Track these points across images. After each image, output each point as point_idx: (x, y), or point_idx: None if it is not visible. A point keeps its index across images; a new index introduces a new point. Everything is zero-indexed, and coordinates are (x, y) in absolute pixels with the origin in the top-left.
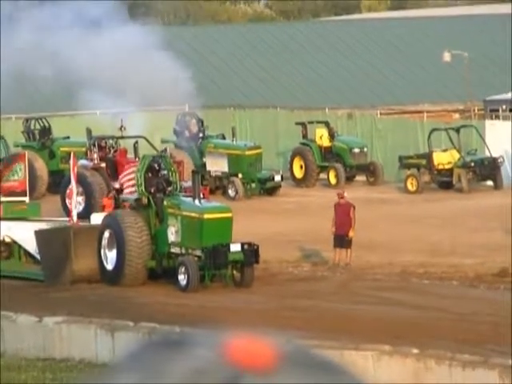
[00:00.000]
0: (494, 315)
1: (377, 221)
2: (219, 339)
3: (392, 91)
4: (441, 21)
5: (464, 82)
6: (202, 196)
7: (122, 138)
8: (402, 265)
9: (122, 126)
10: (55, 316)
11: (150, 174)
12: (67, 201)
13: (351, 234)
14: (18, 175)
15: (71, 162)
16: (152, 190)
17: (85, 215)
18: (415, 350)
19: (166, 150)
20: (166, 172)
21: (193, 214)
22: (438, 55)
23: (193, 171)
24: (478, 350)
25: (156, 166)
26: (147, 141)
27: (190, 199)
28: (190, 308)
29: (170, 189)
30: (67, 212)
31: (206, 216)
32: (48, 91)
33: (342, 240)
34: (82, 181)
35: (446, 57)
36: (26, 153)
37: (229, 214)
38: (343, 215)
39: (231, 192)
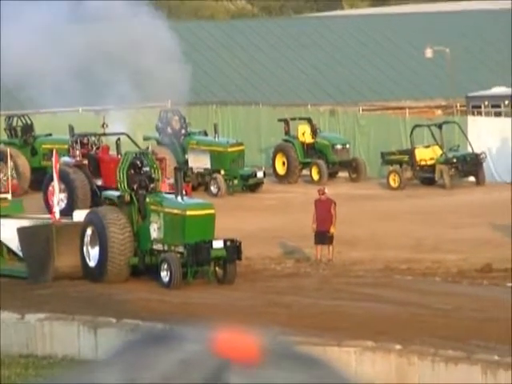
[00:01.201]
0: (477, 311)
1: (359, 217)
2: (205, 333)
3: (374, 87)
4: (423, 17)
5: (446, 78)
6: (184, 193)
7: (105, 135)
8: (384, 261)
9: (104, 123)
10: (38, 313)
11: (132, 171)
12: (49, 198)
13: (332, 230)
14: (2, 172)
15: (53, 159)
16: (134, 187)
17: (67, 212)
18: (398, 346)
19: (148, 147)
20: (148, 169)
21: (175, 211)
22: (420, 51)
23: (175, 168)
24: (461, 346)
25: (138, 162)
26: (129, 138)
27: (172, 196)
28: (173, 305)
29: (152, 186)
30: (49, 209)
31: (189, 213)
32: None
33: (323, 236)
34: (64, 178)
35: (428, 53)
36: (9, 150)
37: (211, 211)
38: (324, 211)
39: (213, 189)
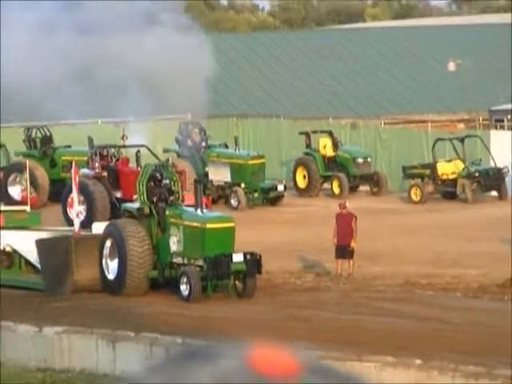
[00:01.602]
0: (497, 327)
1: (380, 231)
2: (242, 349)
3: (396, 101)
4: (445, 30)
5: (469, 91)
6: (204, 206)
7: (124, 147)
8: (405, 275)
9: (124, 135)
10: (55, 326)
11: (152, 184)
12: (68, 210)
13: (353, 244)
14: (21, 184)
15: (73, 170)
16: (154, 200)
17: (86, 224)
18: (418, 361)
19: (167, 159)
20: (168, 181)
21: (195, 224)
22: (443, 64)
23: (195, 180)
24: (482, 361)
25: (158, 175)
26: (149, 150)
27: (192, 209)
28: (192, 318)
29: (171, 198)
30: (68, 221)
31: (209, 226)
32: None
33: (343, 250)
34: (83, 190)
35: (451, 66)
36: (28, 161)
37: (231, 224)
38: (345, 226)
39: (234, 202)
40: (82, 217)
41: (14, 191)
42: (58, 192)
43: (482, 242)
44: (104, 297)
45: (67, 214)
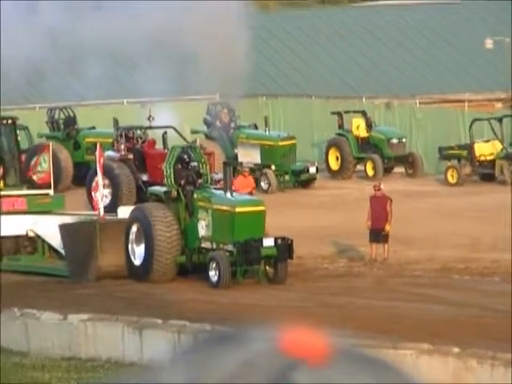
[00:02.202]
0: None
1: (415, 214)
2: (272, 333)
3: (431, 80)
4: (483, 5)
5: (507, 69)
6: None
7: (151, 128)
8: (441, 260)
9: (150, 116)
10: (80, 313)
11: (179, 166)
12: (93, 194)
13: (388, 228)
14: (43, 167)
15: (97, 153)
16: (182, 183)
17: (111, 209)
18: (456, 349)
19: (195, 141)
20: (196, 164)
21: (224, 208)
22: (480, 42)
23: (224, 163)
24: None
25: (186, 157)
26: (176, 131)
27: (221, 192)
28: (221, 305)
29: (200, 181)
30: (93, 205)
31: (238, 209)
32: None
33: (378, 234)
34: (108, 173)
35: (488, 43)
36: (51, 144)
37: (261, 208)
38: (379, 209)
39: (264, 184)
40: (106, 201)
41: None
42: (82, 175)
43: None
44: (130, 283)
45: (91, 197)
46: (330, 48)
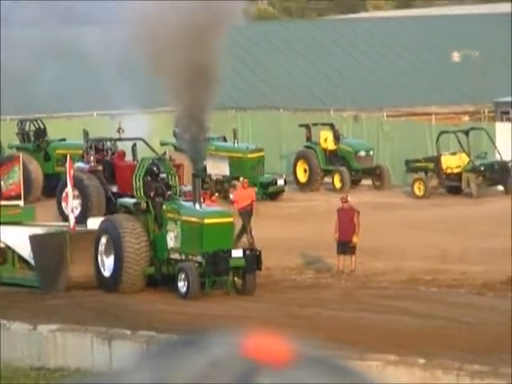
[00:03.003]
0: (502, 324)
1: (383, 226)
2: (234, 337)
3: (399, 92)
4: (449, 20)
5: (474, 82)
6: (203, 200)
7: (120, 140)
8: (408, 272)
9: (119, 128)
10: (50, 324)
11: (148, 178)
12: (63, 205)
13: (355, 240)
14: (13, 178)
15: (67, 164)
16: (151, 194)
17: (81, 220)
18: (422, 360)
19: (165, 153)
20: (165, 176)
21: (193, 219)
22: (447, 55)
23: (193, 174)
24: (487, 360)
25: (155, 169)
26: (146, 143)
27: (190, 204)
28: (190, 316)
29: (169, 193)
30: (63, 216)
31: (207, 221)
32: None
33: (345, 246)
34: (78, 184)
35: (455, 57)
36: (21, 154)
37: (230, 219)
38: (347, 220)
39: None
40: (76, 212)
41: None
42: (53, 186)
43: (487, 238)
44: (99, 294)
45: (62, 209)
46: (299, 61)
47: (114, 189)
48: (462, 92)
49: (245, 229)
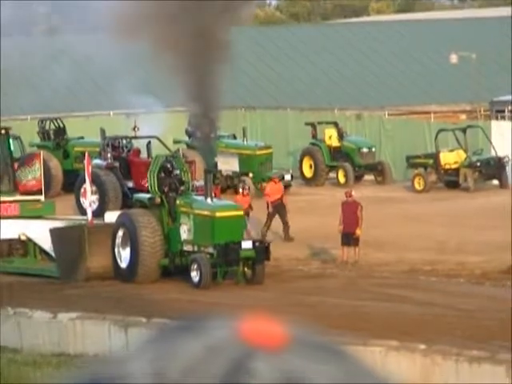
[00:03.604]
0: (500, 312)
1: (385, 219)
2: (231, 321)
3: (400, 92)
4: (448, 23)
5: (471, 83)
6: (214, 195)
7: (136, 138)
8: (409, 262)
9: (135, 127)
10: (69, 312)
11: (162, 174)
12: (81, 199)
13: (358, 232)
14: (35, 174)
15: (86, 161)
16: (165, 190)
17: (99, 213)
18: (422, 346)
19: (178, 150)
20: (178, 172)
21: (205, 213)
22: (446, 57)
23: (205, 170)
24: (485, 346)
25: (169, 166)
26: (160, 141)
27: (202, 198)
28: (201, 304)
29: (182, 188)
30: (81, 211)
31: (218, 214)
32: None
33: (349, 238)
34: (95, 180)
35: (453, 58)
36: (42, 152)
37: (240, 212)
38: (350, 214)
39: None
40: (94, 206)
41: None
42: (71, 182)
43: (485, 230)
44: (116, 284)
45: (80, 203)
46: (304, 63)
47: (130, 184)
48: (459, 92)
49: (284, 220)
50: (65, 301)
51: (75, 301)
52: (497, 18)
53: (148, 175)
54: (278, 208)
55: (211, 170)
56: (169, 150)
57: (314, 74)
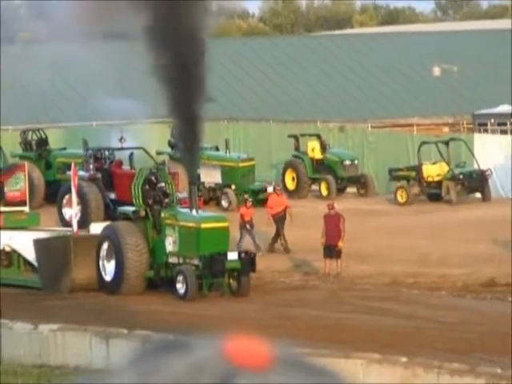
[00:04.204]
0: (481, 324)
1: (367, 232)
2: (215, 341)
3: (383, 105)
4: (431, 36)
5: (453, 95)
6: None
7: (122, 149)
8: (391, 275)
9: (122, 138)
10: (50, 324)
11: (147, 187)
12: (63, 210)
13: (340, 244)
14: (19, 185)
15: (72, 172)
16: (149, 202)
17: (81, 225)
18: (404, 359)
19: (164, 162)
20: (162, 184)
21: (190, 224)
22: (428, 69)
23: (189, 182)
24: (466, 359)
25: (153, 178)
26: (146, 152)
27: (187, 210)
28: (183, 316)
29: (166, 201)
30: (64, 221)
31: (203, 225)
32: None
33: (331, 250)
34: (78, 191)
35: (436, 71)
36: (26, 163)
37: (225, 224)
38: (333, 226)
39: (224, 203)
40: (77, 217)
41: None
42: (53, 193)
43: (467, 243)
44: (100, 296)
45: (62, 214)
46: (288, 75)
47: (112, 195)
48: (442, 104)
49: (279, 233)
50: (46, 312)
51: (56, 312)
52: (479, 30)
53: (132, 188)
54: (280, 220)
55: (195, 182)
56: (155, 161)
57: (297, 86)
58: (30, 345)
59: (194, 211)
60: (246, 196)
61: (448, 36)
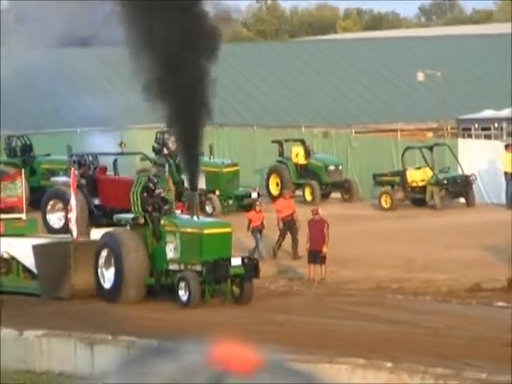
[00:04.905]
0: (466, 329)
1: (352, 237)
2: (205, 345)
3: (367, 110)
4: (415, 41)
5: (437, 101)
6: (179, 211)
7: (122, 154)
8: (376, 280)
9: (121, 142)
10: (36, 329)
11: (145, 194)
12: (48, 216)
13: (325, 249)
14: (16, 191)
15: (71, 177)
16: (148, 209)
17: (65, 231)
18: (389, 364)
19: (146, 169)
20: (161, 191)
21: (192, 230)
22: (412, 75)
23: (190, 189)
24: (451, 364)
25: (151, 185)
26: (146, 157)
27: (187, 216)
28: (170, 323)
29: (166, 207)
30: (48, 227)
31: (206, 231)
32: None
33: (316, 256)
34: (62, 197)
35: (420, 76)
36: (23, 170)
37: (228, 229)
38: (317, 231)
39: (209, 208)
40: (60, 223)
41: None
42: (37, 199)
43: (451, 248)
44: (89, 302)
45: (47, 220)
46: (271, 80)
47: (96, 201)
48: (426, 110)
49: (294, 237)
50: (31, 318)
51: (42, 318)
52: (462, 35)
53: (131, 195)
54: (289, 224)
55: (196, 189)
56: (155, 165)
57: (281, 92)
58: (15, 350)
59: (195, 217)
60: (258, 200)
61: (432, 41)
